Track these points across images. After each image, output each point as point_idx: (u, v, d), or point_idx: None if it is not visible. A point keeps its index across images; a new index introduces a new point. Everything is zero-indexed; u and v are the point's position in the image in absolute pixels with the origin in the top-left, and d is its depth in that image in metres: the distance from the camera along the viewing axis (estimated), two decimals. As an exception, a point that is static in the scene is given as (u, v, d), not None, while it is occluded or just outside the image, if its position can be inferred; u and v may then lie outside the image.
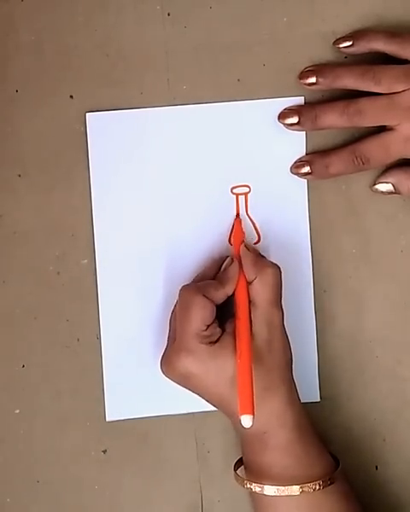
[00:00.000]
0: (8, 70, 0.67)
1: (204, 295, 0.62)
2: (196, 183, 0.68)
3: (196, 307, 0.62)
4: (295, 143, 0.68)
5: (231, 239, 0.68)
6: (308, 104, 0.67)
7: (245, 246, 0.66)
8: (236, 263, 0.65)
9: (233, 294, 0.64)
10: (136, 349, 0.68)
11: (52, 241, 0.68)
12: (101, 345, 0.68)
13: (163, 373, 0.65)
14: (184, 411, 0.69)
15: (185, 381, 0.64)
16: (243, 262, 0.65)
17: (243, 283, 0.64)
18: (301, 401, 0.65)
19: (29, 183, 0.67)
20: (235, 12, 0.67)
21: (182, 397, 0.66)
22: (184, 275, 0.67)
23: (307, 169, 0.67)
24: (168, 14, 0.67)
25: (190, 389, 0.64)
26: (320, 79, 0.66)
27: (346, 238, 0.69)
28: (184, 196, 0.68)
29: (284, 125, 0.67)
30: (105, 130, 0.67)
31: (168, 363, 0.64)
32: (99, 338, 0.68)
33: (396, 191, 0.68)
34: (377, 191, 0.68)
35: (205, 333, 0.62)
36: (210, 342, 0.63)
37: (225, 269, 0.65)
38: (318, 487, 0.62)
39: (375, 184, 0.68)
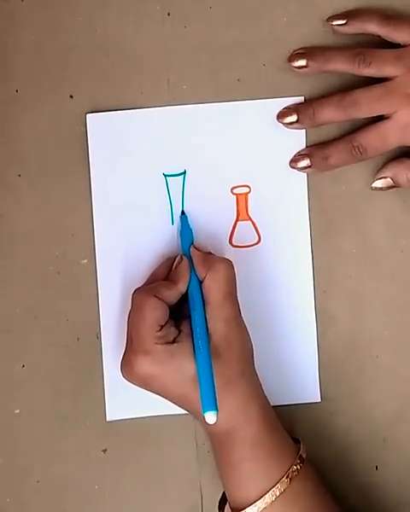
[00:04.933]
0: (8, 70, 0.67)
1: (156, 296, 0.62)
2: (196, 184, 0.68)
3: (149, 308, 0.62)
4: (296, 143, 0.68)
5: (230, 240, 0.68)
6: (305, 101, 0.67)
7: (194, 246, 0.66)
8: (185, 260, 0.65)
9: (188, 294, 0.64)
10: (136, 349, 0.68)
11: (52, 241, 0.68)
12: (101, 345, 0.68)
13: (124, 377, 0.63)
14: (185, 411, 0.68)
15: (146, 383, 0.63)
16: (193, 261, 0.65)
17: (195, 281, 0.64)
18: (301, 401, 0.65)
19: (29, 183, 0.67)
20: (235, 12, 0.67)
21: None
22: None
23: (306, 162, 0.67)
24: (168, 14, 0.67)
25: (152, 391, 0.63)
26: (310, 62, 0.65)
27: (346, 238, 0.69)
28: (184, 196, 0.68)
29: (284, 124, 0.67)
30: (105, 130, 0.67)
31: (127, 367, 0.63)
32: (99, 338, 0.68)
33: (395, 184, 0.67)
34: (376, 189, 0.68)
35: (159, 333, 0.62)
36: (167, 342, 0.62)
37: (175, 267, 0.65)
38: (279, 491, 0.62)
39: (373, 182, 0.68)
